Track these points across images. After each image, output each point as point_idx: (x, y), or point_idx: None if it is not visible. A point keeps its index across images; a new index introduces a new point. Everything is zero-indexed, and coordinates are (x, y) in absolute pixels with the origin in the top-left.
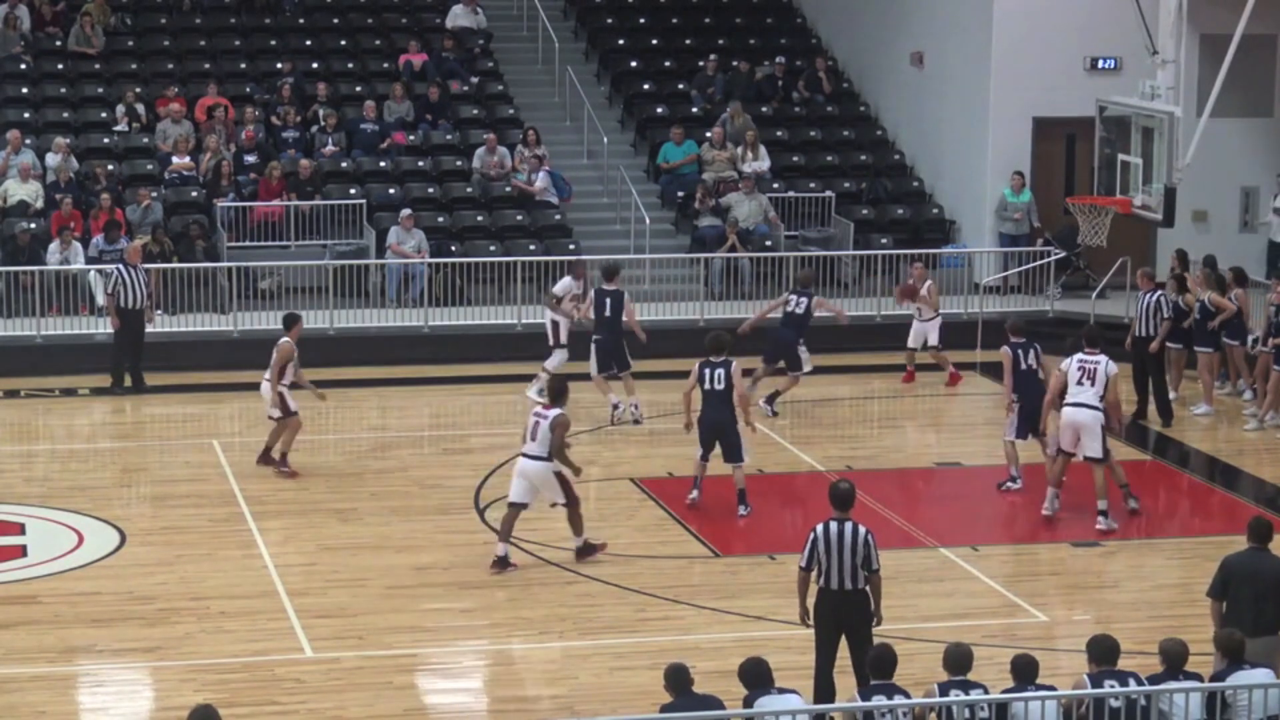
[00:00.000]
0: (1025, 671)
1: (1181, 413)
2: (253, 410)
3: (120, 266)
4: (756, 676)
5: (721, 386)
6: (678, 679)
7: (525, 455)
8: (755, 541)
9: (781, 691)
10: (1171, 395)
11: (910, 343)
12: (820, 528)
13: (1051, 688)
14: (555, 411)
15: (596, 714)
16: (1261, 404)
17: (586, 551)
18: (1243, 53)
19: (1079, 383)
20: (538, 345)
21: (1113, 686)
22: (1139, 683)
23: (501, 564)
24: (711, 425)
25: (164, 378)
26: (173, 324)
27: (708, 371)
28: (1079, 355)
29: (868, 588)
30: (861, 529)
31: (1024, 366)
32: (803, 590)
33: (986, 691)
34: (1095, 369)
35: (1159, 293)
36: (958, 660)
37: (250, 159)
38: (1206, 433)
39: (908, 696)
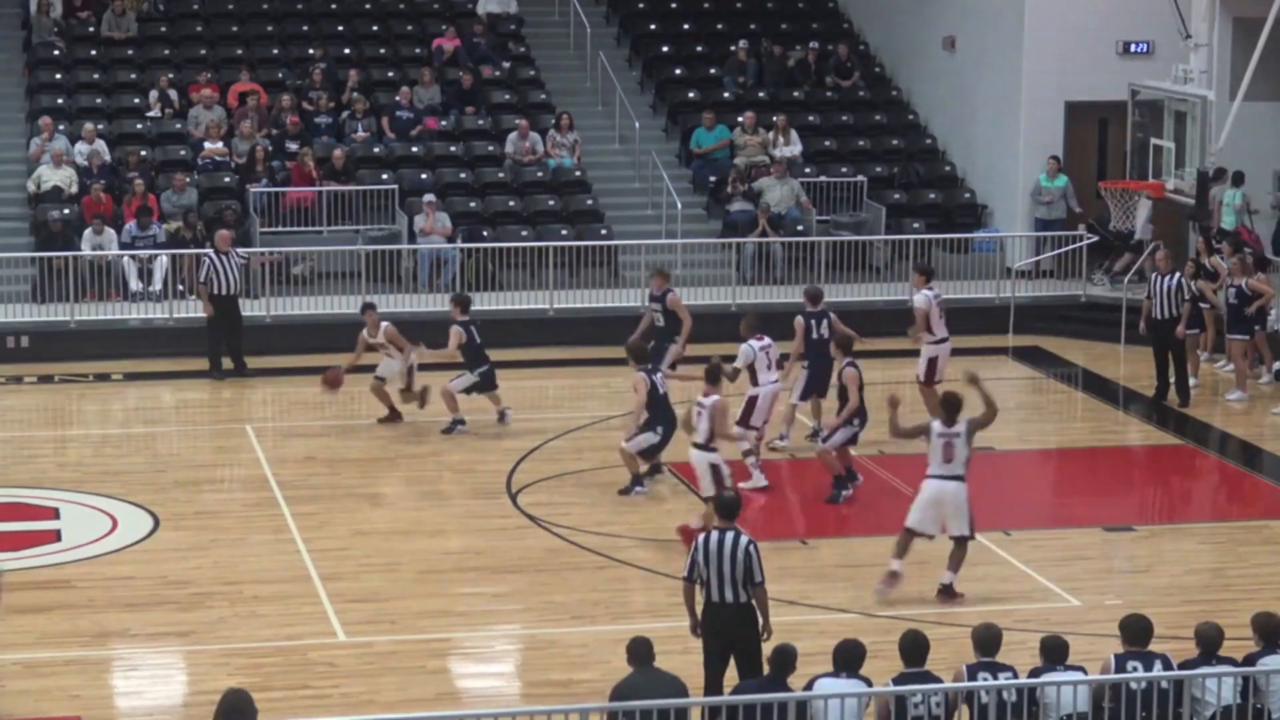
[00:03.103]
0: (1054, 652)
1: (1214, 398)
2: (285, 395)
3: (211, 254)
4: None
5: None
6: (639, 651)
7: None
8: (787, 526)
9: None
10: (1191, 381)
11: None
12: (702, 537)
13: (1082, 669)
14: None
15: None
16: None
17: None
18: (1276, 36)
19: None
20: (570, 330)
21: (1135, 668)
22: (1166, 664)
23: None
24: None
25: (195, 363)
26: (203, 312)
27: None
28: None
29: (754, 601)
30: (744, 539)
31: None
32: (689, 601)
33: (1015, 673)
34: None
35: (1178, 275)
36: (987, 641)
37: (293, 146)
38: (1239, 418)
39: (939, 683)
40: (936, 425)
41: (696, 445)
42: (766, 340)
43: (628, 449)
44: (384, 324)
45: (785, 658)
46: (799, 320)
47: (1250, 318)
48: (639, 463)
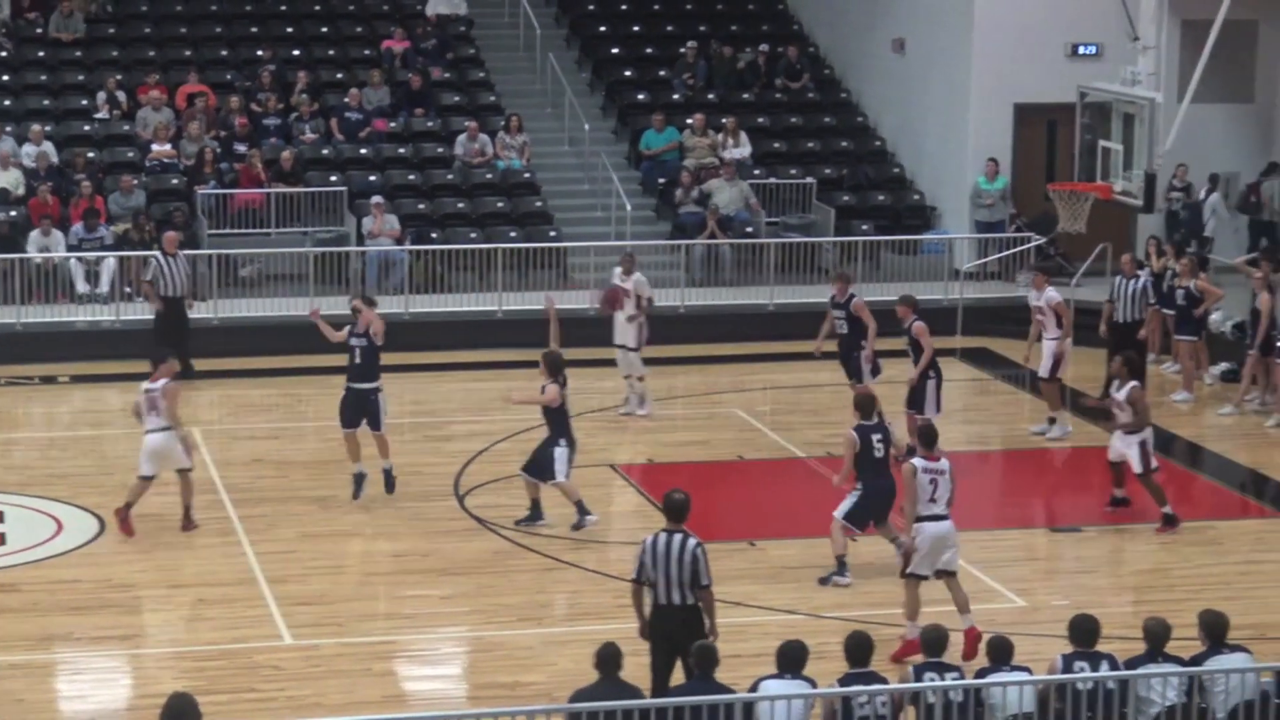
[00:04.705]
0: (1000, 653)
1: (1161, 399)
2: (232, 397)
3: (158, 255)
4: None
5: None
6: (607, 659)
7: None
8: (734, 528)
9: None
10: None
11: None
12: (649, 539)
13: (1028, 669)
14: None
15: None
16: (1243, 390)
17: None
18: (1223, 38)
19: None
20: (519, 332)
21: (1083, 668)
22: (1112, 664)
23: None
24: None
25: (142, 365)
26: (150, 311)
27: (566, 390)
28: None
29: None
30: (691, 541)
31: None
32: (637, 603)
33: (961, 673)
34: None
35: (1143, 279)
36: (933, 642)
37: (241, 148)
38: (1185, 419)
39: (885, 684)
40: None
41: (935, 517)
42: None
43: (565, 484)
44: (164, 382)
45: (708, 655)
46: (925, 326)
47: (1199, 319)
48: (577, 489)
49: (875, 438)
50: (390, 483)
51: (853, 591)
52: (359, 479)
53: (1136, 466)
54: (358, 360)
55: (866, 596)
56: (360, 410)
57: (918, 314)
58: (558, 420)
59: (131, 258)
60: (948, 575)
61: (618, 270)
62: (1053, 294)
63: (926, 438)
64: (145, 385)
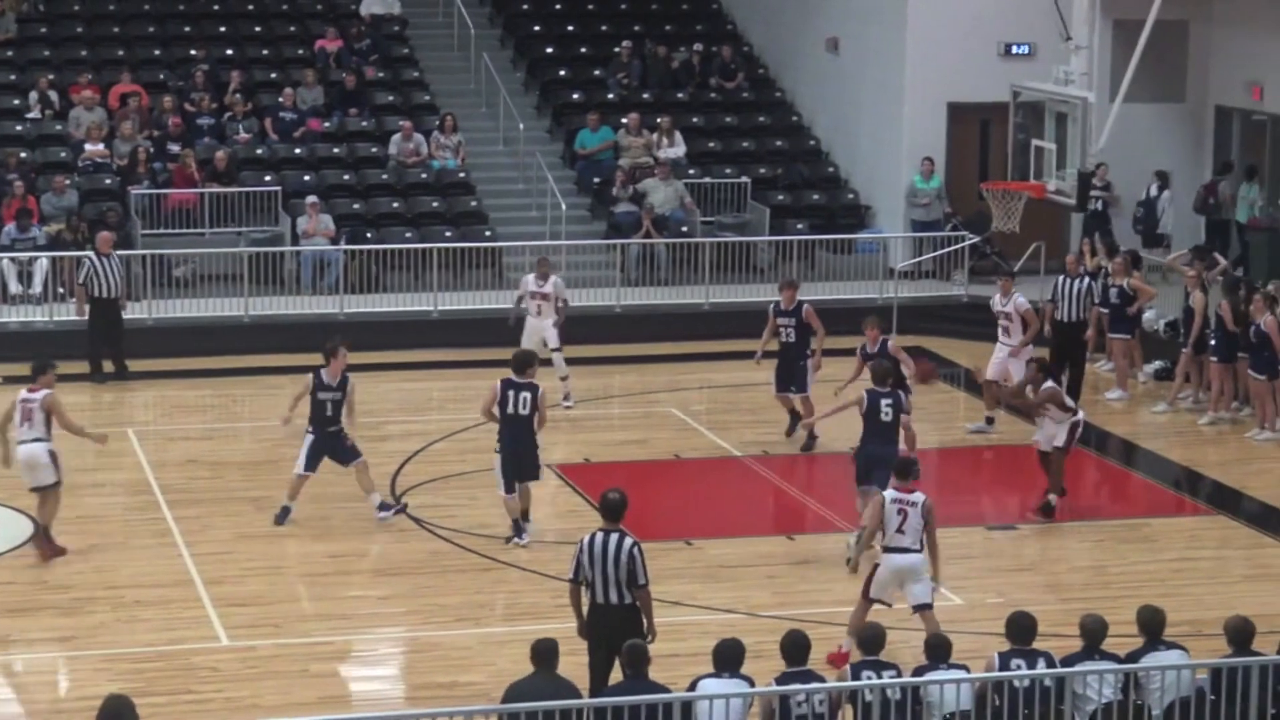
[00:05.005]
0: (938, 651)
1: (1096, 397)
2: (167, 398)
3: (92, 256)
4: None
5: (526, 411)
6: (543, 653)
7: None
8: (671, 527)
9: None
10: None
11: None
12: (586, 538)
13: (965, 667)
14: None
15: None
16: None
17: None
18: (1155, 38)
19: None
20: (454, 332)
21: (1019, 666)
22: (1049, 662)
23: None
24: (515, 453)
25: (77, 366)
26: (86, 312)
27: (511, 393)
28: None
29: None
30: (628, 541)
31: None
32: (575, 603)
33: (899, 671)
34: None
35: (1087, 279)
36: (870, 640)
37: (175, 148)
38: (1120, 416)
39: (823, 682)
40: None
41: (901, 549)
42: None
43: (504, 500)
44: (46, 393)
45: (638, 653)
46: (898, 344)
47: (1132, 317)
48: (517, 506)
49: (885, 402)
50: (391, 509)
51: (790, 591)
52: (286, 511)
53: (1060, 441)
54: (329, 413)
55: (803, 595)
56: (324, 452)
57: (886, 333)
58: (500, 423)
59: (65, 258)
60: (923, 608)
61: (530, 276)
62: (1021, 300)
63: (903, 469)
64: (23, 393)
